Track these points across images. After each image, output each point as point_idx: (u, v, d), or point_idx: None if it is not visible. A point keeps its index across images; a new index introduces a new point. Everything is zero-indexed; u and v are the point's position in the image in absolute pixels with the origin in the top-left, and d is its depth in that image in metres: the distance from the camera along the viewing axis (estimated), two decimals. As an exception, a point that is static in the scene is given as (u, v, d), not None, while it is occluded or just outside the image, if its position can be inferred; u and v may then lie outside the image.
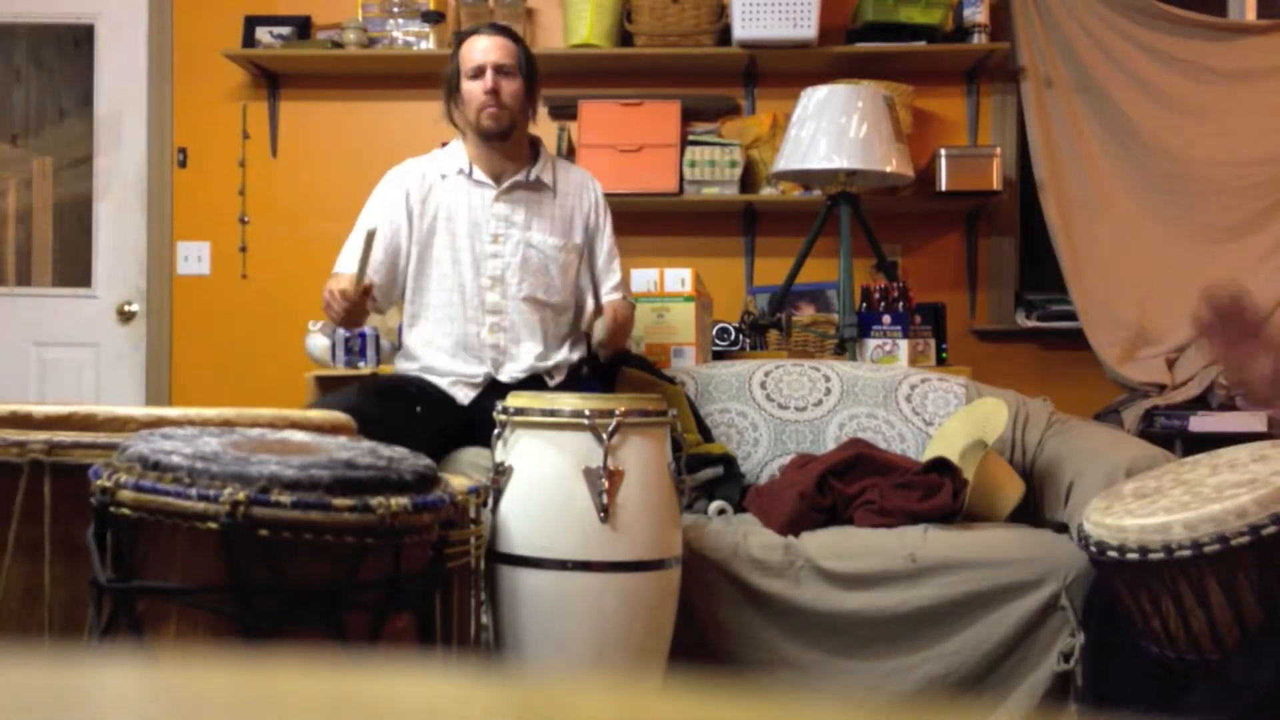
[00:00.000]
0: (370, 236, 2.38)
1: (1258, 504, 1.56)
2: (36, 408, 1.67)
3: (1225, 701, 1.55)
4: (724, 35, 3.76)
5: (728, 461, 2.74)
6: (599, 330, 2.57)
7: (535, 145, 2.78)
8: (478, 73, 2.64)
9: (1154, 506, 1.68)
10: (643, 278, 3.20)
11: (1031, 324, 3.89)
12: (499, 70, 2.63)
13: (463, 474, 2.24)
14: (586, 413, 2.01)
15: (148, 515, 1.39)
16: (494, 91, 2.62)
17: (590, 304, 2.71)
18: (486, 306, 2.66)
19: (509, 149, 2.70)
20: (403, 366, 2.73)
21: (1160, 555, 1.60)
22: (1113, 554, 1.66)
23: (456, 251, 2.66)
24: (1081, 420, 2.95)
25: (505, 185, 2.69)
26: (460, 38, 2.75)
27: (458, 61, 2.69)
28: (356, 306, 2.43)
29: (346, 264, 2.63)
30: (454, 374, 2.64)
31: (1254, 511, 1.55)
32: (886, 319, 3.26)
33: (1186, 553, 1.57)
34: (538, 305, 2.69)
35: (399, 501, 1.45)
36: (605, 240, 2.81)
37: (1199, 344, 1.85)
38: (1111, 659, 1.81)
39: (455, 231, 2.67)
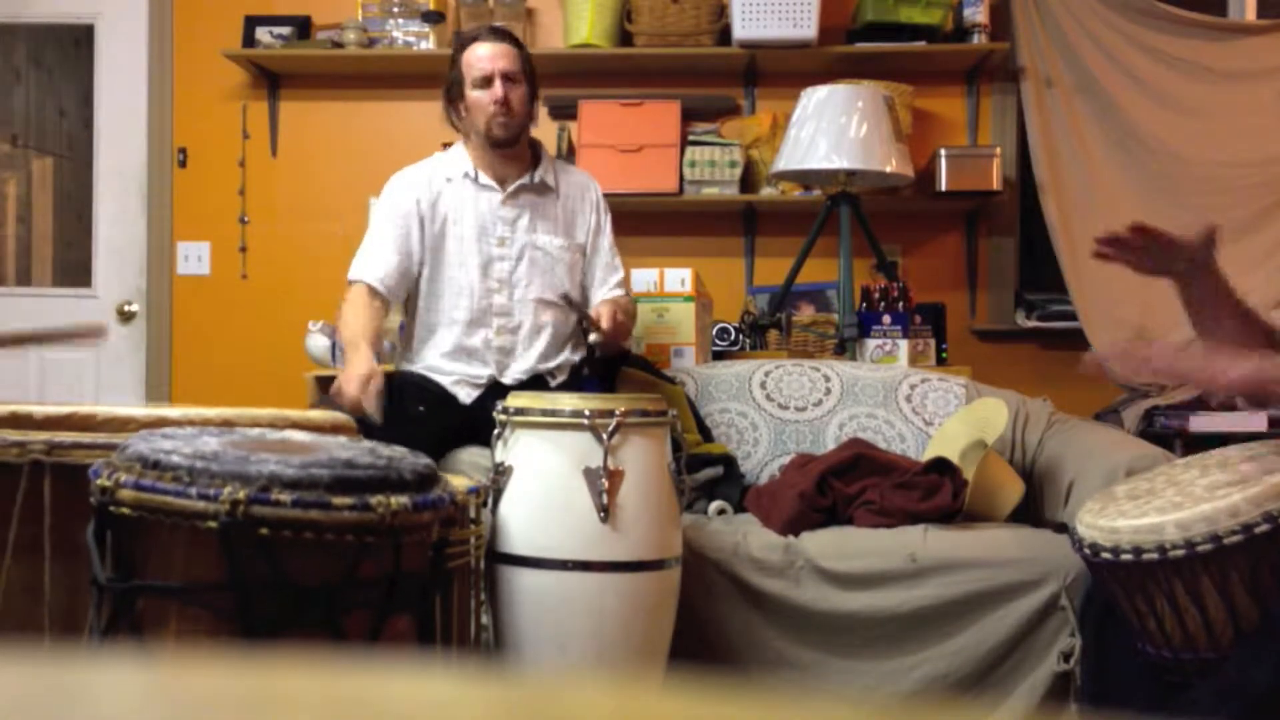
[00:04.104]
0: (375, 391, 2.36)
1: (1249, 502, 1.56)
2: (36, 408, 1.67)
3: (1222, 700, 1.55)
4: (724, 35, 3.76)
5: (728, 461, 2.74)
6: (594, 338, 2.57)
7: (535, 147, 2.78)
8: (486, 81, 2.63)
9: (1146, 507, 1.68)
10: (643, 278, 3.20)
11: (1031, 324, 3.89)
12: (506, 78, 2.63)
13: (463, 474, 2.24)
14: (586, 413, 2.01)
15: (148, 514, 1.39)
16: (504, 101, 2.62)
17: (593, 300, 2.73)
18: (494, 309, 2.67)
19: (513, 152, 2.71)
20: (405, 367, 2.73)
21: (1154, 556, 1.60)
22: (1106, 555, 1.66)
23: (464, 255, 2.67)
24: (1081, 420, 2.95)
25: (511, 189, 2.70)
26: (461, 42, 2.74)
27: (460, 68, 2.68)
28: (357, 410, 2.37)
29: (364, 270, 2.63)
30: (457, 374, 2.65)
31: (1246, 510, 1.56)
32: (886, 319, 3.26)
33: (1180, 553, 1.57)
34: (544, 306, 2.70)
35: (399, 500, 1.45)
36: (606, 240, 2.82)
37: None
38: (1110, 660, 1.81)
39: (463, 236, 2.68)
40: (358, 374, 2.34)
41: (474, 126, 2.68)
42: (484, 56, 2.65)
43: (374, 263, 2.65)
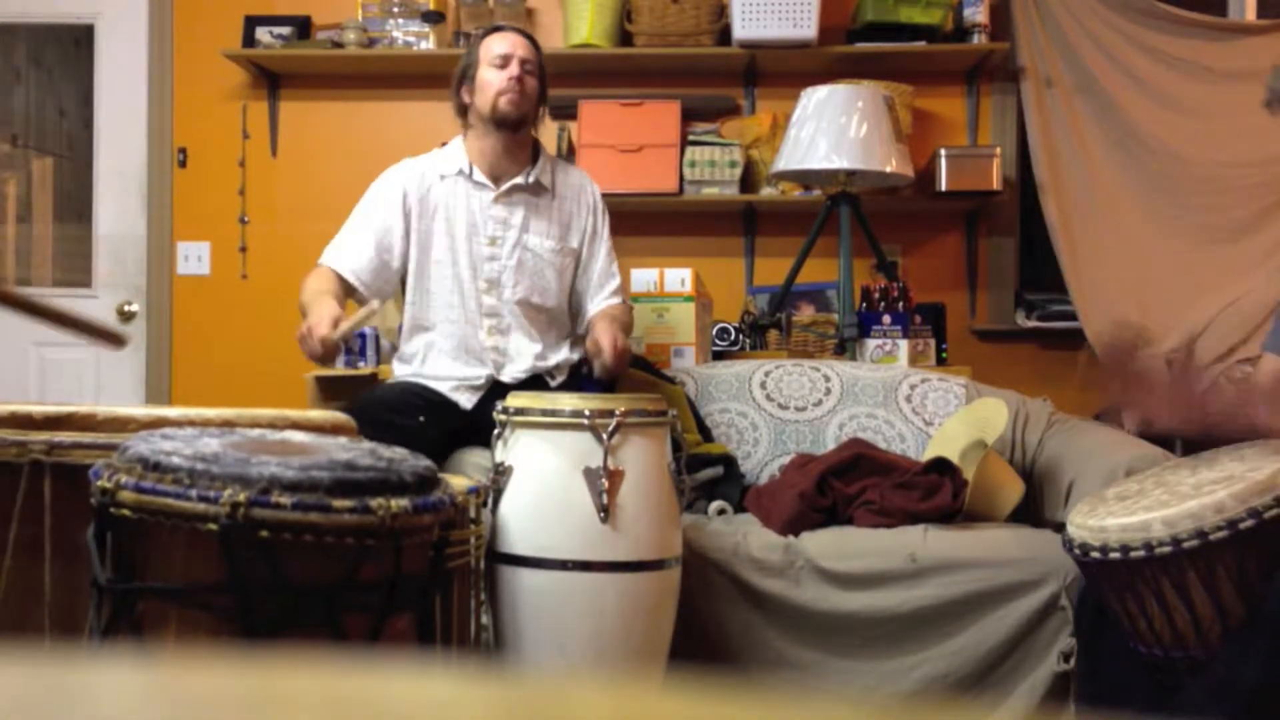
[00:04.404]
0: (370, 315, 2.39)
1: (1234, 499, 1.57)
2: (36, 408, 1.67)
3: (1213, 697, 1.56)
4: (724, 35, 3.76)
5: (728, 461, 2.74)
6: (598, 368, 2.54)
7: (535, 147, 2.78)
8: (504, 61, 2.65)
9: (1134, 506, 1.69)
10: (643, 278, 3.20)
11: (1031, 324, 3.89)
12: (524, 63, 2.66)
13: (465, 475, 2.24)
14: (586, 413, 2.01)
15: (148, 516, 1.39)
16: (519, 79, 2.63)
17: (589, 308, 2.72)
18: (484, 309, 2.66)
19: (511, 149, 2.69)
20: (401, 371, 2.72)
21: (1141, 553, 1.61)
22: (1095, 555, 1.67)
23: (455, 253, 2.66)
24: (1081, 420, 2.95)
25: (504, 188, 2.69)
26: (483, 32, 2.76)
27: (477, 53, 2.69)
28: (329, 352, 2.39)
29: (335, 259, 2.63)
30: (455, 378, 2.63)
31: (1231, 506, 1.57)
32: (886, 319, 3.26)
33: (1167, 549, 1.59)
34: (531, 309, 2.68)
35: (399, 503, 1.45)
36: (604, 244, 2.80)
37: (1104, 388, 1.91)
38: (1105, 660, 1.81)
39: (454, 233, 2.67)
40: (325, 316, 2.36)
41: (479, 111, 2.67)
42: (506, 41, 2.68)
43: (348, 254, 2.64)
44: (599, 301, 2.75)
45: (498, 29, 2.74)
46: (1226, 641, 1.58)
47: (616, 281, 2.80)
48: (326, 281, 2.59)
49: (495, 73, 2.64)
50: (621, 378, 2.79)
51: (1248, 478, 1.60)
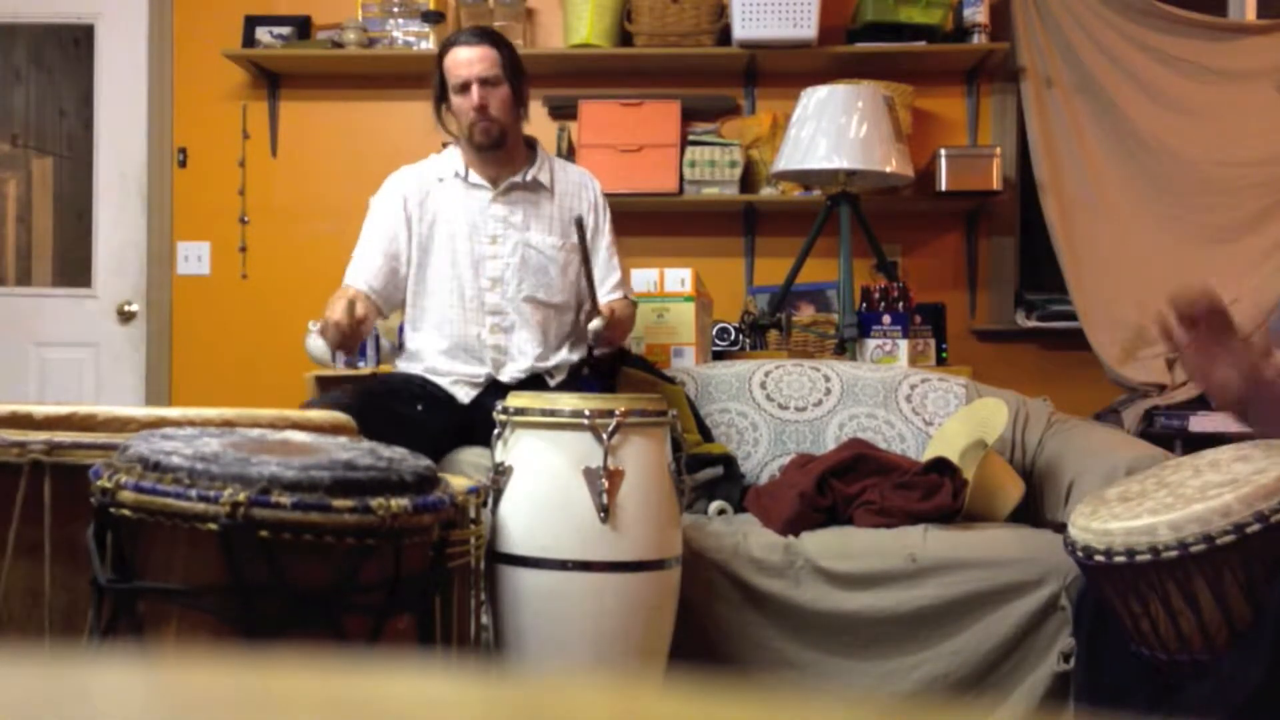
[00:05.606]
0: (351, 305, 2.37)
1: (1241, 502, 1.57)
2: (36, 408, 1.67)
3: (1217, 701, 1.56)
4: (724, 35, 3.76)
5: (728, 461, 2.74)
6: (596, 324, 2.56)
7: (532, 145, 2.78)
8: (463, 88, 2.63)
9: (1138, 509, 1.68)
10: (643, 278, 3.20)
11: (1031, 324, 3.89)
12: (484, 83, 2.61)
13: (463, 474, 2.24)
14: (586, 413, 2.00)
15: (148, 516, 1.39)
16: (482, 107, 2.61)
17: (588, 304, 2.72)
18: (487, 308, 2.67)
19: (504, 153, 2.70)
20: (404, 367, 2.73)
21: (1147, 557, 1.60)
22: (1100, 558, 1.66)
23: (455, 254, 2.67)
24: (1081, 420, 2.95)
25: (502, 187, 2.69)
26: (442, 47, 2.72)
27: (442, 73, 2.68)
28: (351, 334, 2.38)
29: (352, 278, 2.65)
30: (455, 374, 2.65)
31: (1238, 510, 1.56)
32: (886, 319, 3.26)
33: (1173, 554, 1.58)
34: (538, 305, 2.69)
35: (399, 503, 1.45)
36: (605, 239, 2.80)
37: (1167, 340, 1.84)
38: (1105, 662, 1.81)
39: (454, 234, 2.67)
40: (340, 304, 2.38)
41: (462, 133, 2.69)
42: (461, 62, 2.63)
43: (361, 267, 2.66)
44: (599, 296, 2.75)
45: (453, 43, 2.68)
46: (1232, 644, 1.58)
47: (618, 276, 2.81)
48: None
49: (460, 100, 2.64)
50: (622, 378, 2.79)
51: (1253, 481, 1.59)
